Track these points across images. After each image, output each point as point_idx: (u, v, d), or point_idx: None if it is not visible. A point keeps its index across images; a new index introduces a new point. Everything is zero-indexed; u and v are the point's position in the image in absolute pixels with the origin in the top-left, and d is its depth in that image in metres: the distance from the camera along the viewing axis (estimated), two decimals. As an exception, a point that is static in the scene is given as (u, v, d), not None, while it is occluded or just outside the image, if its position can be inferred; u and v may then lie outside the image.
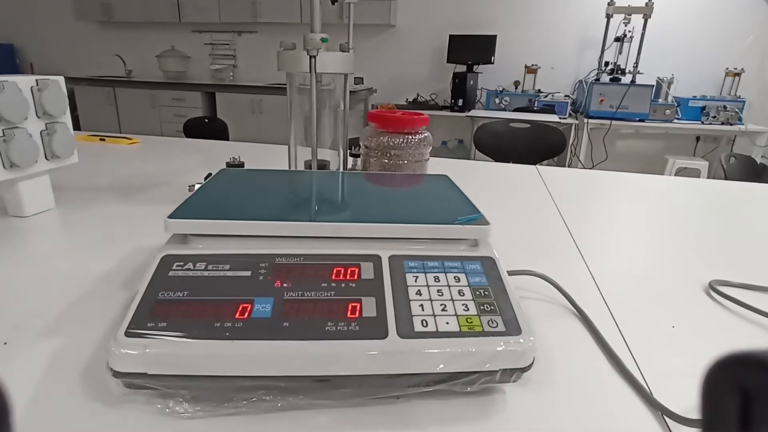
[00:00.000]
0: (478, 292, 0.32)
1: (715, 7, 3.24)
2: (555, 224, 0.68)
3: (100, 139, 1.16)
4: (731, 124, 3.03)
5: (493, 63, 3.50)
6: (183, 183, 0.81)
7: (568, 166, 3.12)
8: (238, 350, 0.27)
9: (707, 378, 0.11)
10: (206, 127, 2.93)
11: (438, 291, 0.32)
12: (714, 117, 3.07)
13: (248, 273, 0.32)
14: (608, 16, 3.15)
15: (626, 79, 3.16)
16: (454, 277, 0.34)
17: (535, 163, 1.12)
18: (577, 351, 0.38)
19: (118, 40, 4.51)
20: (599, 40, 3.27)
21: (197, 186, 0.58)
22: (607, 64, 3.24)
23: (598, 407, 0.31)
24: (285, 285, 0.31)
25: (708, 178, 2.70)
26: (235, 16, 4.00)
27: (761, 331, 0.42)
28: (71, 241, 0.55)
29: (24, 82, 0.56)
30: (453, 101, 3.50)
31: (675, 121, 3.11)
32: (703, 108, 3.12)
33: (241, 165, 0.79)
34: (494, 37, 3.45)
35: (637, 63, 3.13)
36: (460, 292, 0.32)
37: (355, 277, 0.33)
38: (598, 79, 3.21)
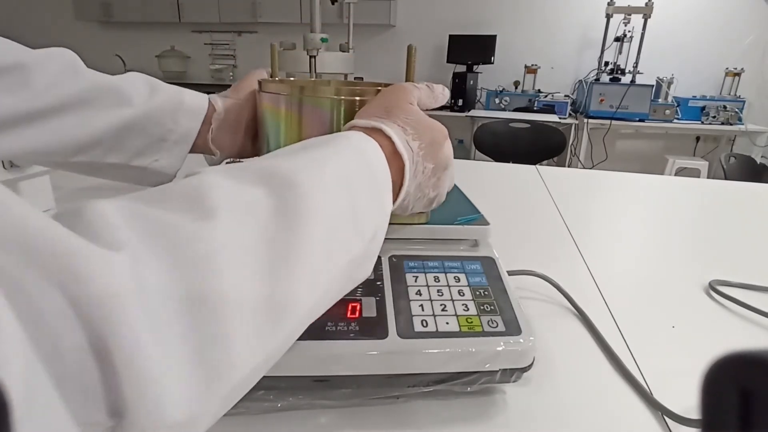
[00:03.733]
0: (478, 292, 0.32)
1: (715, 7, 3.24)
2: (555, 224, 0.68)
3: (100, 139, 1.16)
4: (731, 124, 3.03)
5: (493, 63, 3.50)
6: (183, 183, 0.80)
7: (568, 166, 3.12)
8: (238, 350, 0.27)
9: (707, 378, 0.11)
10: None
11: (438, 291, 0.32)
12: (714, 117, 3.07)
13: (248, 273, 0.32)
14: (608, 16, 3.15)
15: (626, 79, 3.16)
16: (454, 277, 0.34)
17: (535, 163, 1.12)
18: (577, 351, 0.38)
19: (118, 40, 4.51)
20: (599, 40, 3.26)
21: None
22: (607, 64, 3.24)
23: (598, 407, 0.32)
24: (285, 285, 0.31)
25: (708, 178, 2.70)
26: (235, 16, 4.00)
27: (761, 331, 0.42)
28: (71, 241, 0.54)
29: (24, 82, 0.56)
30: (453, 101, 3.49)
31: (675, 121, 3.11)
32: (703, 108, 3.12)
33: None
34: (494, 37, 3.45)
35: (637, 63, 3.13)
36: (460, 292, 0.32)
37: (355, 277, 0.33)
38: (598, 79, 3.21)
